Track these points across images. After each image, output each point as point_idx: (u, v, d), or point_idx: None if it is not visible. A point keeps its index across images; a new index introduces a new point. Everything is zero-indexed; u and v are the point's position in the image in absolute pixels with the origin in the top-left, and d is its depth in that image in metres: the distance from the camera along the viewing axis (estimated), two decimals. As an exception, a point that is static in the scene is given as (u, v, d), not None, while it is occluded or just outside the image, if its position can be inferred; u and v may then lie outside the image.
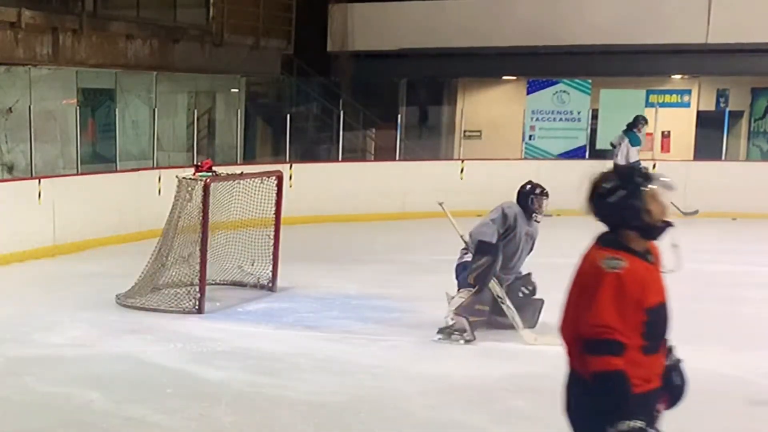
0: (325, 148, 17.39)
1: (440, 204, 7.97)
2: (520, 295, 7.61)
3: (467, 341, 7.32)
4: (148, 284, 8.66)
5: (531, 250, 7.75)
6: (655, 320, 3.69)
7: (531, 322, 7.60)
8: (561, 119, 16.04)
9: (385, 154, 17.04)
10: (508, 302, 7.40)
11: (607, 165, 4.18)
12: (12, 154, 13.09)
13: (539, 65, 16.89)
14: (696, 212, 13.13)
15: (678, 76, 17.54)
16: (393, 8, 18.04)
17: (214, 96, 17.11)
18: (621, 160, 13.30)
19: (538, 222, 7.64)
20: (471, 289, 7.35)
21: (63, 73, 13.55)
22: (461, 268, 7.59)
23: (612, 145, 14.24)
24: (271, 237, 9.41)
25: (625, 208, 3.55)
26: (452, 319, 7.41)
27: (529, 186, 7.66)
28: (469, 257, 7.48)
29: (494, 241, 7.31)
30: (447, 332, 7.40)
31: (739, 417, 5.84)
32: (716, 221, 14.13)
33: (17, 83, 12.95)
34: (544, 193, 7.59)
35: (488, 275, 7.29)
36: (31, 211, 10.93)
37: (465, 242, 7.55)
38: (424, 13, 17.62)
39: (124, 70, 14.53)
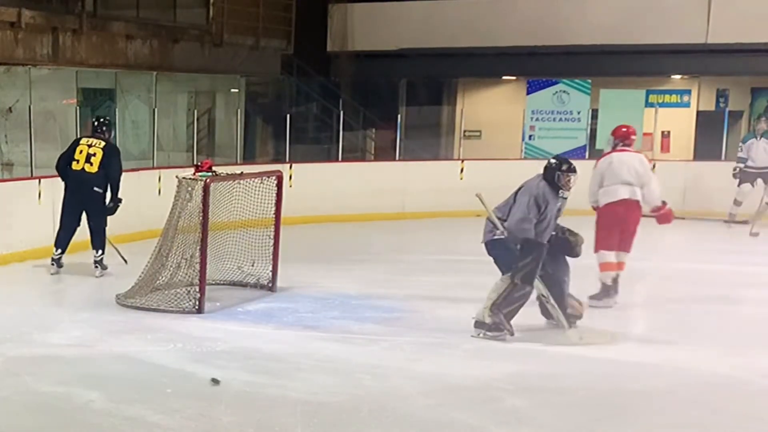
0: (325, 148, 17.39)
1: (478, 195, 7.73)
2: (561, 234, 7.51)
3: (504, 337, 7.33)
4: (148, 284, 8.65)
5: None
6: None
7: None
8: (561, 119, 16.04)
9: (384, 154, 17.05)
10: (553, 301, 7.36)
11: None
12: (12, 154, 13.09)
13: (539, 65, 16.90)
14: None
15: (678, 76, 17.54)
16: (393, 8, 18.04)
17: (214, 96, 17.12)
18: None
19: (565, 198, 7.44)
20: (509, 281, 7.30)
21: (63, 73, 13.55)
22: (496, 245, 7.42)
23: None
24: (271, 237, 9.41)
25: None
26: (489, 317, 7.36)
27: (555, 162, 7.48)
28: (498, 234, 7.36)
29: (533, 235, 7.24)
30: (485, 328, 7.40)
31: (739, 417, 5.84)
32: (716, 221, 14.12)
33: (17, 83, 12.95)
34: (571, 169, 7.41)
35: (534, 274, 7.24)
36: (31, 211, 10.92)
37: (503, 228, 7.34)
38: (424, 13, 17.62)
39: (124, 70, 14.53)
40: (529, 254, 7.20)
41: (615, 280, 8.68)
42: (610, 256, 8.66)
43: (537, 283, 7.35)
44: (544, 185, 7.40)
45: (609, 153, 8.88)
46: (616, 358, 7.03)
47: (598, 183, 8.73)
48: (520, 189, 7.49)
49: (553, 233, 7.51)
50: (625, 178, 8.62)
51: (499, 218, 7.41)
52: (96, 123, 10.06)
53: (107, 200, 9.81)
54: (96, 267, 9.87)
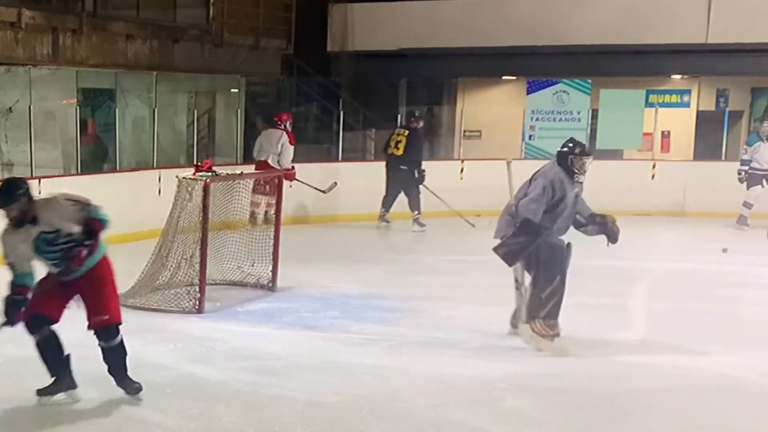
0: (325, 148, 17.38)
1: (507, 163, 7.52)
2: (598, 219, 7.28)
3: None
4: (148, 284, 8.65)
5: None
6: None
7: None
8: (561, 119, 16.04)
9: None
10: (523, 289, 7.20)
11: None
12: (12, 154, 13.09)
13: (539, 65, 16.88)
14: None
15: (678, 76, 17.53)
16: (393, 8, 18.03)
17: (214, 96, 17.11)
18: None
19: (581, 182, 7.19)
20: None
21: (63, 73, 13.53)
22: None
23: None
24: (271, 237, 9.42)
25: None
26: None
27: (567, 147, 7.21)
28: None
29: (538, 220, 7.00)
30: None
31: (739, 417, 5.85)
32: (717, 221, 14.12)
33: (17, 83, 12.95)
34: (585, 152, 7.16)
35: (518, 255, 7.04)
36: (31, 211, 10.89)
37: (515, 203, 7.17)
38: (424, 13, 17.61)
39: (124, 70, 14.52)
40: (523, 235, 6.99)
41: (257, 215, 12.14)
42: (259, 198, 12.09)
43: (517, 266, 7.16)
44: (559, 170, 7.15)
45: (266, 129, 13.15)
46: (616, 358, 7.02)
47: (258, 148, 13.05)
48: (535, 174, 7.25)
49: (584, 222, 7.29)
50: (266, 147, 12.92)
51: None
52: (407, 115, 14.36)
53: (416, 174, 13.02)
54: (413, 224, 13.07)
